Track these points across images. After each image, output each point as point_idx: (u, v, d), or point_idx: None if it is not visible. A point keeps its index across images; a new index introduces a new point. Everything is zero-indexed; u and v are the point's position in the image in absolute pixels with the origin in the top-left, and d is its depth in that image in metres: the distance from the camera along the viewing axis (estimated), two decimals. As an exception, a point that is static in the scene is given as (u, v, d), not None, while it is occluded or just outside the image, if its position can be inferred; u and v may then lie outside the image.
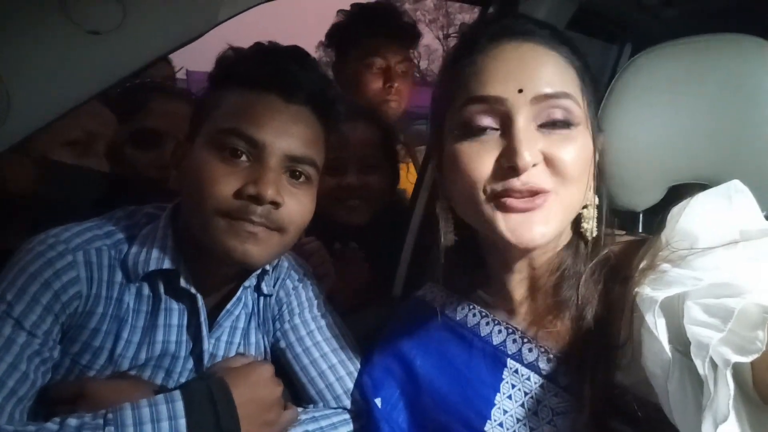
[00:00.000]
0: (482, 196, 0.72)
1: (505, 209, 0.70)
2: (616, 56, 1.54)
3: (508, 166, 0.69)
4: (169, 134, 1.31)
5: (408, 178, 1.68)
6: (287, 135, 0.85)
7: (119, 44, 0.74)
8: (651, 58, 0.87)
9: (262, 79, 0.86)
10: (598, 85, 0.79)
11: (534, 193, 0.69)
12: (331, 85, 0.95)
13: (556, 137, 0.71)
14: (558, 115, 0.71)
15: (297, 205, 0.86)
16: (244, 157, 0.83)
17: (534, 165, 0.69)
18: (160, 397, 0.77)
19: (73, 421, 0.71)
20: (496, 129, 0.72)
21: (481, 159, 0.71)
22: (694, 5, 1.24)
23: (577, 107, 0.72)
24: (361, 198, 1.39)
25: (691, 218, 0.66)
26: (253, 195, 0.80)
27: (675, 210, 0.68)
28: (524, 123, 0.69)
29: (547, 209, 0.70)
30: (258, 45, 0.91)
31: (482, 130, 0.72)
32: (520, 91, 0.69)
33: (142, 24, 0.75)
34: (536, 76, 0.70)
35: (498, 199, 0.71)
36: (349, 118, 1.33)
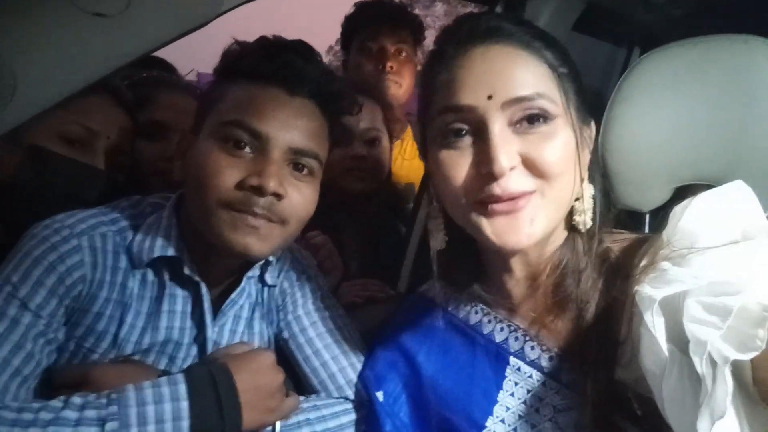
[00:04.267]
0: (465, 203, 0.73)
1: (489, 214, 0.71)
2: (624, 59, 1.54)
3: (486, 172, 0.70)
4: (175, 127, 1.32)
5: (402, 154, 1.81)
6: (291, 128, 0.85)
7: (125, 28, 0.74)
8: (658, 58, 0.88)
9: (267, 72, 0.86)
10: (579, 75, 0.78)
11: (516, 196, 0.70)
12: (335, 79, 0.95)
13: (534, 136, 0.71)
14: (533, 116, 0.71)
15: (300, 197, 0.87)
16: (247, 149, 0.84)
17: (512, 168, 0.69)
18: (163, 379, 0.78)
19: (77, 400, 0.72)
20: (471, 134, 0.73)
21: (459, 167, 0.73)
22: (700, 5, 1.24)
23: (551, 104, 0.71)
24: (366, 168, 1.48)
25: (693, 217, 0.66)
26: (255, 186, 0.81)
27: (677, 209, 0.68)
28: (498, 128, 0.69)
29: (532, 210, 0.71)
30: (263, 39, 0.92)
31: (458, 138, 0.73)
32: (490, 97, 0.70)
33: (148, 8, 0.75)
34: (505, 80, 0.70)
35: (481, 205, 0.72)
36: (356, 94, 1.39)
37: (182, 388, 0.76)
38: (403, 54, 1.83)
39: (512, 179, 0.69)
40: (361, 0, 1.87)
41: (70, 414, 0.69)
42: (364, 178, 1.47)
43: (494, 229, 0.71)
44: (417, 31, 1.90)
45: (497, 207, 0.70)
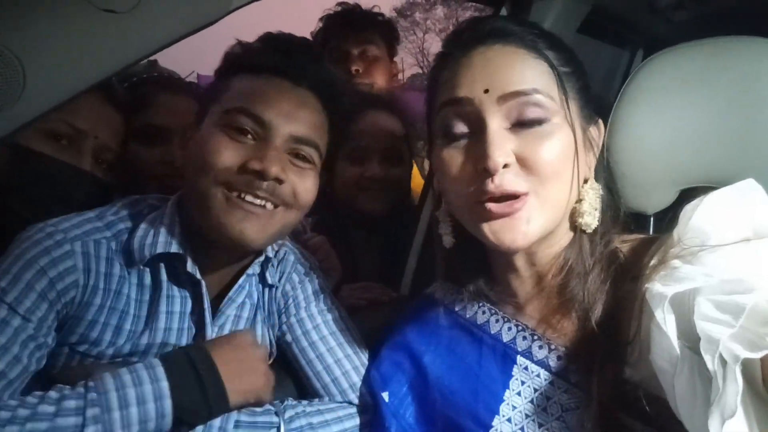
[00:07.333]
0: (466, 201, 0.75)
1: (488, 214, 0.72)
2: (628, 61, 1.54)
3: (481, 168, 0.71)
4: (175, 130, 1.29)
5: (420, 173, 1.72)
6: (293, 117, 0.87)
7: (134, 26, 0.75)
8: (663, 61, 0.88)
9: (271, 62, 0.89)
10: (585, 75, 0.79)
11: (510, 197, 0.71)
12: (336, 77, 0.98)
13: (530, 136, 0.72)
14: (529, 113, 0.72)
15: (302, 182, 0.89)
16: (249, 136, 0.85)
17: (506, 166, 0.70)
18: (140, 365, 0.78)
19: (53, 394, 0.72)
20: (471, 133, 0.74)
21: (459, 165, 0.75)
22: (705, 8, 1.24)
23: (549, 101, 0.72)
24: (383, 188, 1.42)
25: (704, 215, 0.66)
26: (257, 170, 0.82)
27: (688, 207, 0.68)
28: (495, 124, 0.71)
29: (528, 210, 0.72)
30: (267, 34, 0.94)
31: (458, 136, 0.75)
32: (486, 91, 0.72)
33: (159, 5, 0.75)
34: (502, 75, 0.72)
35: (480, 205, 0.73)
36: (372, 108, 1.36)
37: (160, 370, 0.77)
38: (370, 55, 1.82)
39: (506, 178, 0.70)
40: (324, 14, 1.87)
41: (47, 408, 0.69)
42: (381, 199, 1.42)
43: (492, 228, 0.73)
44: (386, 30, 1.89)
45: (495, 208, 0.71)
